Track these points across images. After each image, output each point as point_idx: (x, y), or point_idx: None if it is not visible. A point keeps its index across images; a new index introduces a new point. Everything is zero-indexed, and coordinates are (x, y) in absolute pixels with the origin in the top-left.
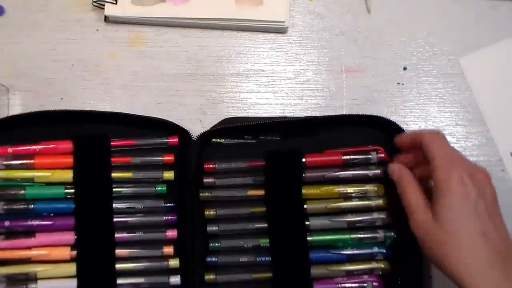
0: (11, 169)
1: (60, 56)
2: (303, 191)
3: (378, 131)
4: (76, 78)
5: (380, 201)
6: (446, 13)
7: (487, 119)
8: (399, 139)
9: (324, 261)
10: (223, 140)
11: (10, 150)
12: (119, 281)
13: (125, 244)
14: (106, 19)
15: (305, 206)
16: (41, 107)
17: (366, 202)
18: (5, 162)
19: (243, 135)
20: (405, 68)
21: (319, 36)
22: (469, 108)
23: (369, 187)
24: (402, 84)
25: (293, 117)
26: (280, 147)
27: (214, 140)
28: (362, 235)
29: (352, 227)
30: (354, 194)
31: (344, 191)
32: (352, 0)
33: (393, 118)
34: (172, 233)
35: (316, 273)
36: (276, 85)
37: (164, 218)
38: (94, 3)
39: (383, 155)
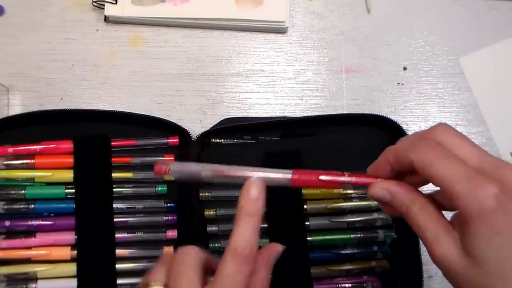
0: (12, 169)
1: (60, 56)
2: (303, 191)
3: (377, 130)
4: (76, 78)
5: None
6: (446, 13)
7: (487, 119)
8: (372, 170)
9: (324, 261)
10: (222, 140)
11: (10, 150)
12: (119, 281)
13: (125, 244)
14: (106, 19)
15: (305, 206)
16: (41, 107)
17: (366, 203)
18: (6, 162)
19: (243, 135)
20: (405, 68)
21: (319, 36)
22: (469, 108)
23: None
24: (402, 84)
25: (292, 117)
26: (280, 147)
27: (213, 140)
28: (362, 235)
29: (352, 227)
30: (354, 194)
31: (344, 192)
32: (352, 0)
33: (393, 118)
34: (172, 233)
35: (316, 273)
36: (276, 85)
37: (164, 218)
38: (94, 3)
39: None
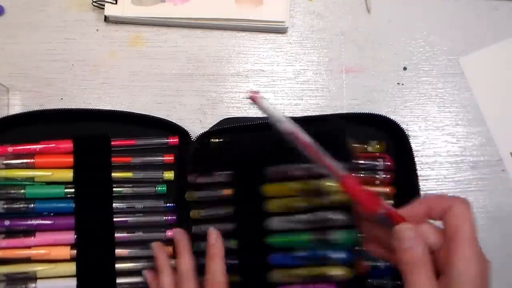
0: (12, 168)
1: (60, 56)
2: (265, 189)
3: (377, 130)
4: (76, 78)
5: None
6: (446, 13)
7: (487, 119)
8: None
9: (284, 265)
10: (222, 140)
11: (10, 149)
12: (119, 280)
13: (125, 243)
14: (106, 19)
15: (266, 205)
16: (41, 107)
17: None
18: (6, 162)
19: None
20: (405, 68)
21: (319, 36)
22: (469, 108)
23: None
24: (402, 84)
25: (292, 117)
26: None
27: (213, 140)
28: (318, 236)
29: (312, 228)
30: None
31: (306, 188)
32: (352, 0)
33: (393, 118)
34: (172, 233)
35: (276, 278)
36: (276, 85)
37: (164, 218)
38: (94, 3)
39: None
